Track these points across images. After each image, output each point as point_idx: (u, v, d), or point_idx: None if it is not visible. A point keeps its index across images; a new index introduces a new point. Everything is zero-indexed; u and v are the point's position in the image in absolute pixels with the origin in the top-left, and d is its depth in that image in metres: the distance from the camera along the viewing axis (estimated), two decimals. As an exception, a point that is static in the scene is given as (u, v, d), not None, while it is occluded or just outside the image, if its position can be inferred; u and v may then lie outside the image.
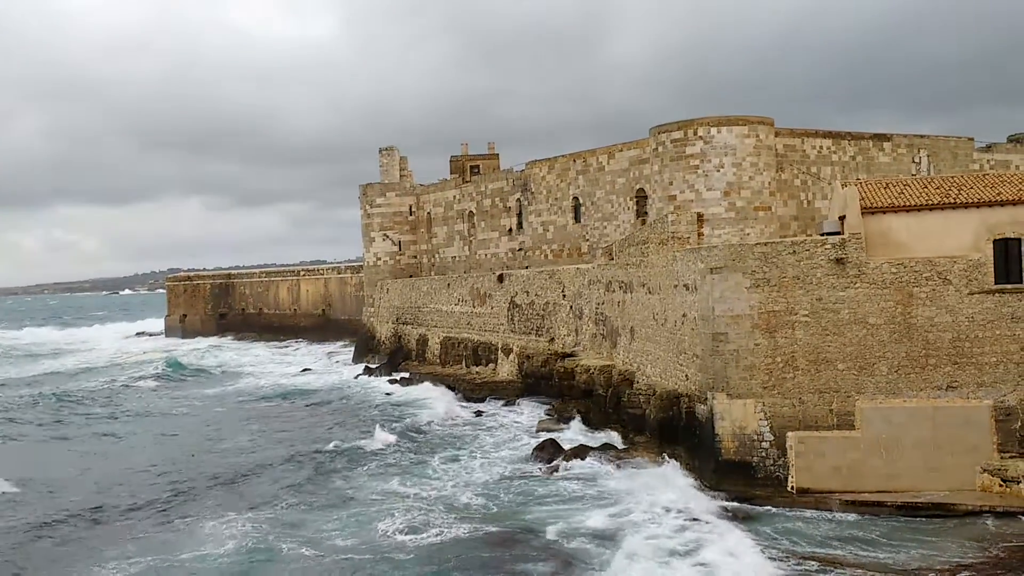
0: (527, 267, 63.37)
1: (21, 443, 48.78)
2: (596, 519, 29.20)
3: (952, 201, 31.36)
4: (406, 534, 28.68)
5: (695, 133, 47.21)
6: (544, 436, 41.05)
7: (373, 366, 71.70)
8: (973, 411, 29.11)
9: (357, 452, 41.29)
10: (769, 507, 29.30)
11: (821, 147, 53.32)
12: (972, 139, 59.76)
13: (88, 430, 52.29)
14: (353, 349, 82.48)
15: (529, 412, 48.40)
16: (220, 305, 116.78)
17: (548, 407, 48.05)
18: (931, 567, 24.17)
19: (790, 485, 29.89)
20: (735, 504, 29.76)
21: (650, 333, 39.12)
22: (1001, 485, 28.22)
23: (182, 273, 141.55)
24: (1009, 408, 29.91)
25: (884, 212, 31.63)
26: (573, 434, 41.92)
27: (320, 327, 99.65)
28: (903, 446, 29.07)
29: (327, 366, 78.90)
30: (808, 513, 28.58)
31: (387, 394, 59.40)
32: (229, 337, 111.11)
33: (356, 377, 68.75)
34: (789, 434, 30.14)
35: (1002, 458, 28.84)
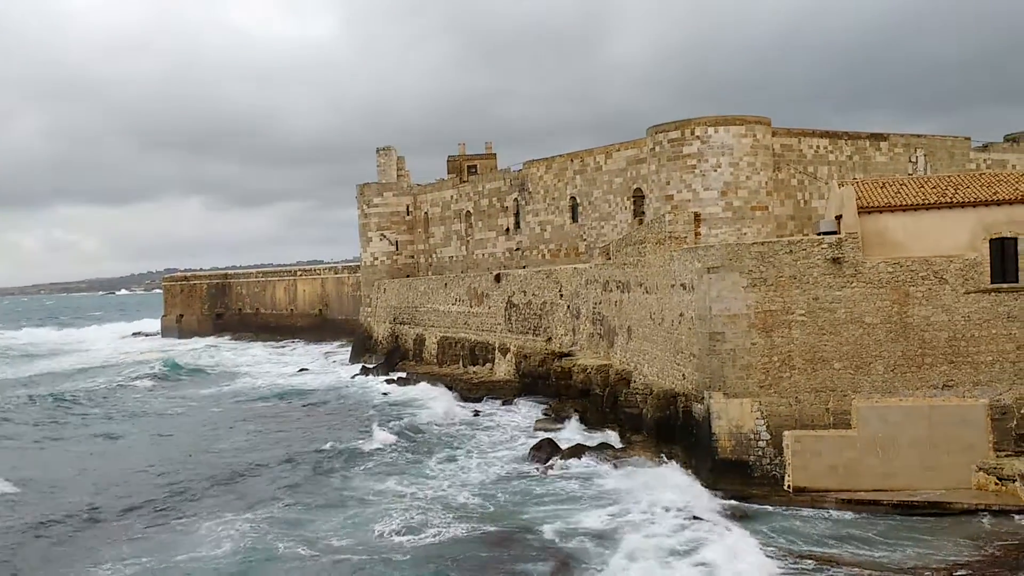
0: (524, 267, 63.37)
1: (17, 443, 48.68)
2: (594, 519, 29.23)
3: (948, 200, 31.42)
4: (403, 534, 28.68)
5: (692, 133, 47.25)
6: (541, 436, 41.08)
7: (370, 366, 71.70)
8: (969, 410, 29.17)
9: (354, 452, 41.27)
10: (766, 506, 29.35)
11: (818, 147, 53.39)
12: (968, 139, 59.87)
13: (84, 430, 52.22)
14: (350, 349, 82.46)
15: (526, 412, 48.44)
16: (217, 305, 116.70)
17: (545, 407, 48.07)
18: (927, 565, 24.21)
19: (786, 484, 29.93)
20: (733, 503, 29.81)
21: (647, 332, 39.14)
22: (997, 484, 28.28)
23: (179, 273, 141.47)
24: (1005, 407, 29.98)
25: (881, 211, 31.68)
26: (570, 433, 41.95)
27: (317, 327, 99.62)
28: (899, 445, 29.13)
29: (324, 366, 78.87)
30: (805, 512, 28.63)
31: (384, 394, 59.39)
32: (226, 337, 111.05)
33: (353, 377, 68.74)
34: (786, 433, 30.19)
35: (998, 457, 28.91)
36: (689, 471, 32.85)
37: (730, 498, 30.14)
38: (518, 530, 28.70)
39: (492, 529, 28.90)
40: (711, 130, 47.09)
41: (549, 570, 25.33)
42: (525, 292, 56.80)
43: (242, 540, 28.56)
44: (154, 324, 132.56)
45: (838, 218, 33.40)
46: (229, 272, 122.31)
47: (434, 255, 78.07)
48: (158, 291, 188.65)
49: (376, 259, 79.55)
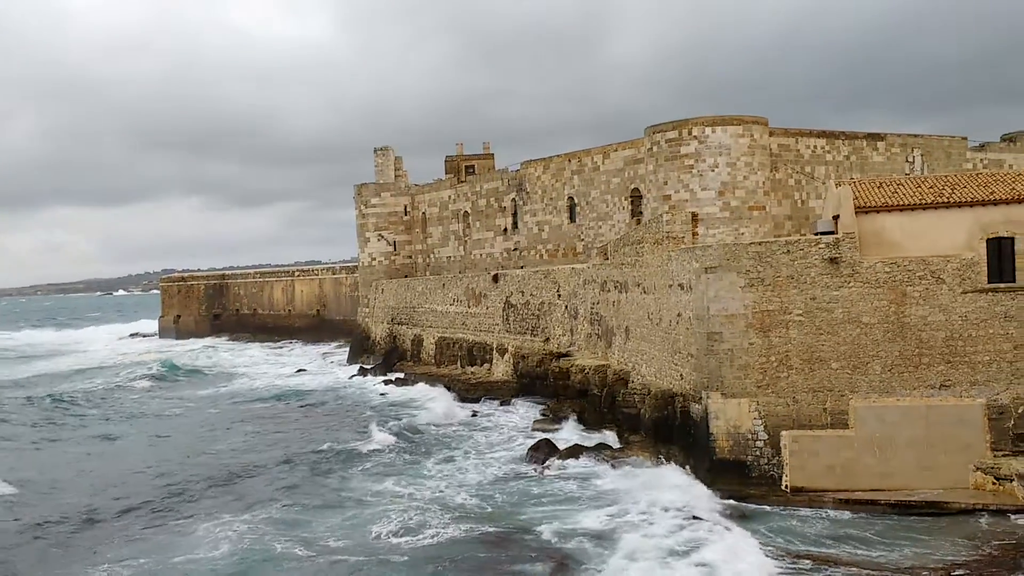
0: (522, 267, 63.37)
1: (15, 444, 48.61)
2: (592, 519, 29.23)
3: (945, 200, 31.45)
4: (401, 535, 28.67)
5: (690, 133, 47.28)
6: (539, 436, 41.07)
7: (368, 367, 71.65)
8: (966, 410, 29.21)
9: (352, 453, 41.25)
10: (763, 506, 29.38)
11: (815, 147, 53.43)
12: (965, 138, 59.96)
13: (82, 431, 52.16)
14: (348, 350, 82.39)
15: (524, 412, 48.43)
16: (214, 306, 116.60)
17: (543, 407, 48.06)
18: (924, 565, 24.24)
19: (784, 484, 29.96)
20: (731, 502, 29.83)
21: (645, 333, 39.15)
22: (994, 483, 28.32)
23: (176, 274, 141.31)
24: (1002, 406, 30.00)
25: (878, 211, 31.71)
26: (568, 434, 41.94)
27: (315, 328, 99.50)
28: (897, 445, 29.16)
29: (322, 367, 78.81)
30: (802, 512, 28.65)
31: (382, 395, 59.38)
32: (223, 338, 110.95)
33: (351, 378, 68.71)
34: (783, 433, 30.21)
35: (995, 456, 28.95)
36: (687, 471, 32.88)
37: (728, 498, 30.16)
38: (516, 531, 28.69)
39: (490, 530, 28.88)
40: (708, 130, 47.12)
41: (547, 571, 25.31)
42: (523, 292, 56.80)
43: (240, 541, 28.54)
44: (151, 325, 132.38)
45: (835, 218, 33.43)
46: (227, 273, 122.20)
47: (432, 255, 78.06)
48: (155, 292, 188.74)
49: (374, 259, 79.52)
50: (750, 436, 31.03)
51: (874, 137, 55.91)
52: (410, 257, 79.87)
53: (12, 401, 63.94)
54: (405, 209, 79.62)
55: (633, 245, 41.07)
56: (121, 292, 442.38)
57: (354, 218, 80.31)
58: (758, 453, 30.94)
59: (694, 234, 36.96)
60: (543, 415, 46.59)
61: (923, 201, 31.65)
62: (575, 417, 44.01)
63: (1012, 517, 26.99)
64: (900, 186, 33.23)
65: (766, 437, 30.81)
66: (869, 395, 30.38)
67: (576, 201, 61.29)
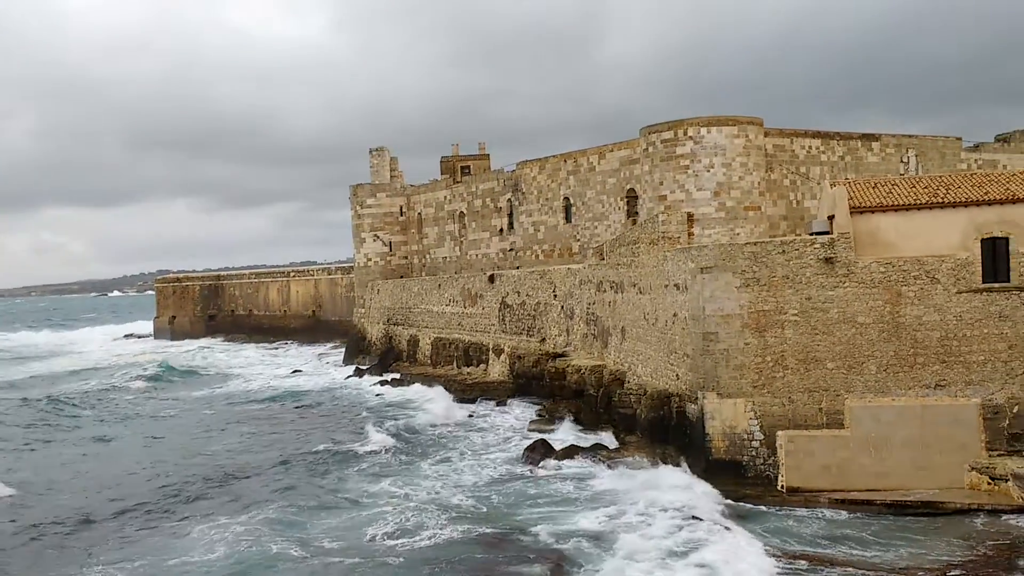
0: (518, 267, 63.38)
1: (10, 446, 48.45)
2: (590, 520, 29.19)
3: (940, 200, 31.52)
4: (397, 536, 28.63)
5: (685, 133, 47.33)
6: (535, 437, 41.06)
7: (364, 367, 71.59)
8: (961, 409, 29.27)
9: (348, 454, 41.19)
10: (759, 506, 29.40)
11: (810, 147, 53.53)
12: (959, 139, 60.13)
13: (77, 433, 52.04)
14: (344, 350, 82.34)
15: (520, 412, 48.41)
16: (209, 306, 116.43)
17: (539, 407, 48.06)
18: (920, 565, 24.28)
19: (780, 484, 30.00)
20: (728, 502, 29.84)
21: (641, 333, 39.18)
22: (989, 483, 28.38)
23: (171, 274, 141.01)
24: (997, 406, 30.08)
25: (873, 212, 31.77)
26: (564, 434, 41.94)
27: (310, 328, 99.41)
28: (892, 445, 29.21)
29: (317, 367, 78.72)
30: (798, 512, 28.67)
31: (378, 395, 59.34)
32: (219, 339, 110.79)
33: (347, 378, 68.64)
34: (779, 433, 30.25)
35: (990, 456, 29.01)
36: (686, 470, 32.88)
37: (724, 498, 30.17)
38: (513, 532, 28.67)
39: (487, 531, 28.85)
40: (704, 131, 47.18)
41: (545, 572, 25.27)
42: (519, 293, 56.81)
43: (236, 543, 28.46)
44: (147, 326, 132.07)
45: (830, 218, 33.47)
46: (222, 273, 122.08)
47: (428, 256, 78.02)
48: (150, 292, 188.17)
49: (370, 260, 79.46)
50: (746, 436, 31.07)
51: (869, 137, 56.03)
52: (406, 258, 79.83)
53: (7, 402, 63.75)
54: (401, 210, 79.56)
55: (629, 245, 41.09)
56: (116, 293, 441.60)
57: (350, 219, 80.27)
58: (754, 453, 30.99)
59: (690, 234, 36.98)
60: (539, 416, 46.57)
61: (918, 201, 31.73)
62: (571, 418, 44.02)
63: (1007, 517, 27.05)
64: (895, 186, 33.30)
65: (762, 437, 30.85)
66: (864, 395, 30.43)
67: (572, 201, 61.33)
